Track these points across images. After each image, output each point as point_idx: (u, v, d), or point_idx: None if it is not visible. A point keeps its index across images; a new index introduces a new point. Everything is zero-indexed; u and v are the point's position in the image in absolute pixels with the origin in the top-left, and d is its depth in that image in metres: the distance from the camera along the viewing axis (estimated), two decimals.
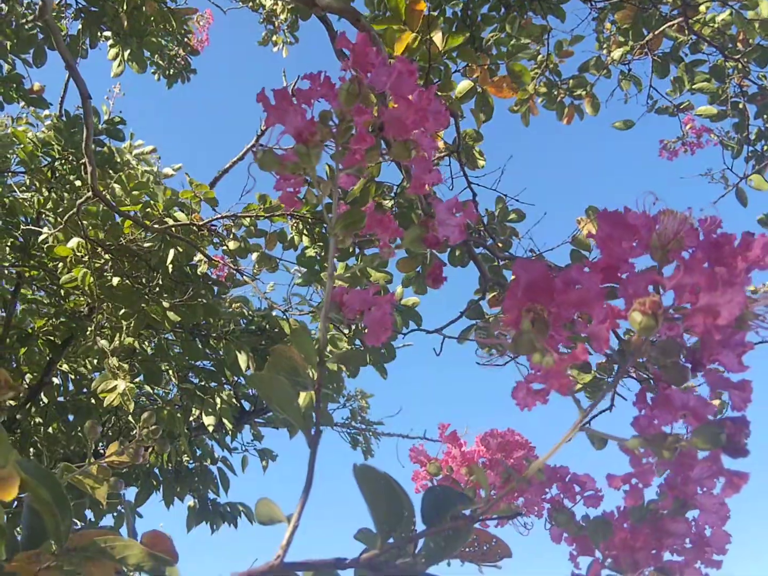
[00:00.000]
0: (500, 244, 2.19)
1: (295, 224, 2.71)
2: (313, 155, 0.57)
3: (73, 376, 4.32)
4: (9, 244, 3.28)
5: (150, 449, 0.99)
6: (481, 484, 0.82)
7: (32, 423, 4.32)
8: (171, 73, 4.29)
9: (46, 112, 3.69)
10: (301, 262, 2.73)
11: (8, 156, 3.49)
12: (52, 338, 3.89)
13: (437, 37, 1.94)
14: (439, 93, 2.08)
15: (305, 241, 2.67)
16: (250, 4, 4.84)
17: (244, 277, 2.88)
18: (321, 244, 2.73)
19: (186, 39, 4.29)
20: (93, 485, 1.04)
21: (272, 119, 0.64)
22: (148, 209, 2.63)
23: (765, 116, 2.98)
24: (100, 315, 2.99)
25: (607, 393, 0.53)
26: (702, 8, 2.82)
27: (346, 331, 2.72)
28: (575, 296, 0.53)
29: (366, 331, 0.68)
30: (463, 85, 2.14)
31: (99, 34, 2.76)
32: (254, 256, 2.86)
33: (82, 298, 3.32)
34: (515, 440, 0.97)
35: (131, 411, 2.60)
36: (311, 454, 0.59)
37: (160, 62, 4.23)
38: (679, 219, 0.52)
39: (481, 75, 2.10)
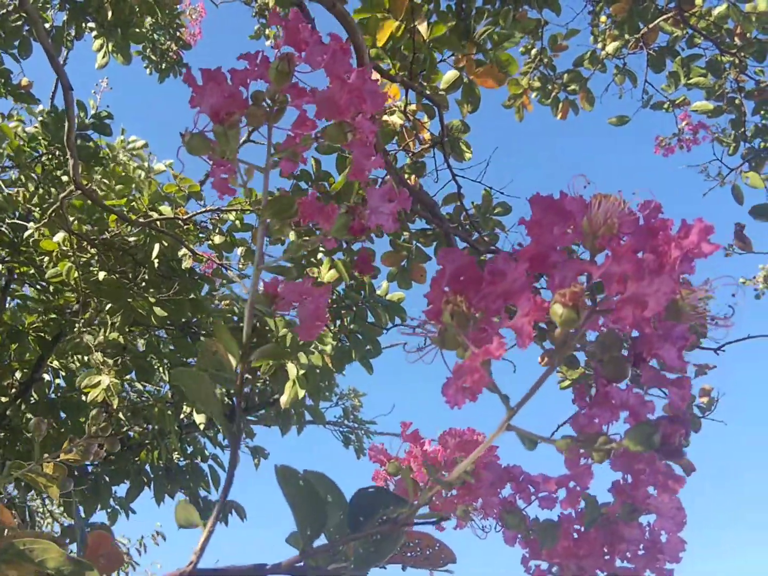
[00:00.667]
0: (486, 238, 2.16)
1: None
2: (231, 136, 0.54)
3: (63, 373, 4.31)
4: None
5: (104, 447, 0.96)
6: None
7: (23, 420, 4.31)
8: (163, 67, 4.27)
9: (40, 107, 3.66)
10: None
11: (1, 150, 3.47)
12: (42, 334, 3.88)
13: (422, 26, 1.90)
14: (424, 83, 2.05)
15: (292, 235, 2.63)
16: None
17: (230, 272, 2.85)
18: (308, 238, 2.69)
19: (178, 33, 4.26)
20: (46, 483, 1.02)
21: (196, 99, 0.61)
22: (134, 203, 2.59)
23: (762, 112, 2.93)
24: (87, 312, 2.97)
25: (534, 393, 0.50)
26: (698, 1, 2.77)
27: (332, 327, 2.69)
28: (501, 287, 0.50)
29: (299, 324, 0.65)
30: (450, 75, 2.10)
31: (84, 25, 2.73)
32: (240, 250, 2.82)
33: (71, 295, 3.30)
34: (475, 440, 0.94)
35: (116, 407, 2.58)
36: (232, 453, 0.56)
37: (152, 56, 4.20)
38: (612, 204, 0.48)
39: (467, 65, 2.06)
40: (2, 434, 4.24)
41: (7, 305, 4.06)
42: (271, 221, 0.67)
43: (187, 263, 2.62)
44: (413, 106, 2.11)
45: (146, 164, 3.68)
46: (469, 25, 3.19)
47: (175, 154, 0.59)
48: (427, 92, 2.02)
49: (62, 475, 1.03)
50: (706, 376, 2.33)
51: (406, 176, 2.18)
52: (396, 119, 2.10)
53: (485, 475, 0.74)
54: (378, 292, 2.58)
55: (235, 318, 3.74)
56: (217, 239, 2.73)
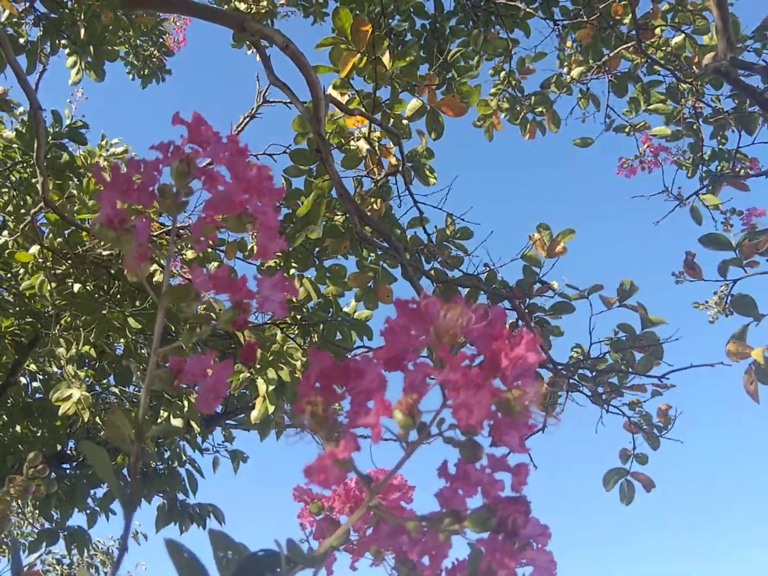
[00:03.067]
0: (449, 261, 2.23)
1: (255, 234, 2.71)
2: (124, 241, 0.60)
3: (41, 376, 4.34)
4: None
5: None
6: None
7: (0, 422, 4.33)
8: (146, 73, 4.30)
9: (21, 109, 3.68)
10: (262, 271, 2.76)
11: None
12: (18, 338, 3.90)
13: (385, 57, 1.96)
14: (388, 111, 2.12)
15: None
16: (225, 7, 4.85)
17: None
18: (280, 253, 2.75)
19: (161, 39, 4.30)
20: None
21: (99, 196, 0.66)
22: None
23: (719, 137, 3.03)
24: (63, 321, 3.01)
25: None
26: (657, 31, 2.86)
27: (301, 342, 2.75)
28: (363, 385, 0.56)
29: (197, 397, 0.70)
30: (413, 103, 2.17)
31: (58, 42, 2.77)
32: (213, 265, 2.88)
33: (47, 303, 3.33)
34: (391, 482, 1.00)
35: (86, 420, 2.63)
36: (126, 522, 0.62)
37: (135, 62, 4.24)
38: (458, 313, 0.54)
39: (429, 95, 2.13)
40: None
41: None
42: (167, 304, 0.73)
43: (158, 278, 2.67)
44: (378, 133, 2.18)
45: None
46: (443, 46, 3.26)
47: None
48: (391, 121, 2.08)
49: (8, 506, 1.09)
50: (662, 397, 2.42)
51: (372, 200, 2.24)
52: (363, 144, 2.16)
53: (382, 527, 0.80)
54: (346, 309, 2.64)
55: (214, 322, 3.78)
56: (190, 254, 2.79)
